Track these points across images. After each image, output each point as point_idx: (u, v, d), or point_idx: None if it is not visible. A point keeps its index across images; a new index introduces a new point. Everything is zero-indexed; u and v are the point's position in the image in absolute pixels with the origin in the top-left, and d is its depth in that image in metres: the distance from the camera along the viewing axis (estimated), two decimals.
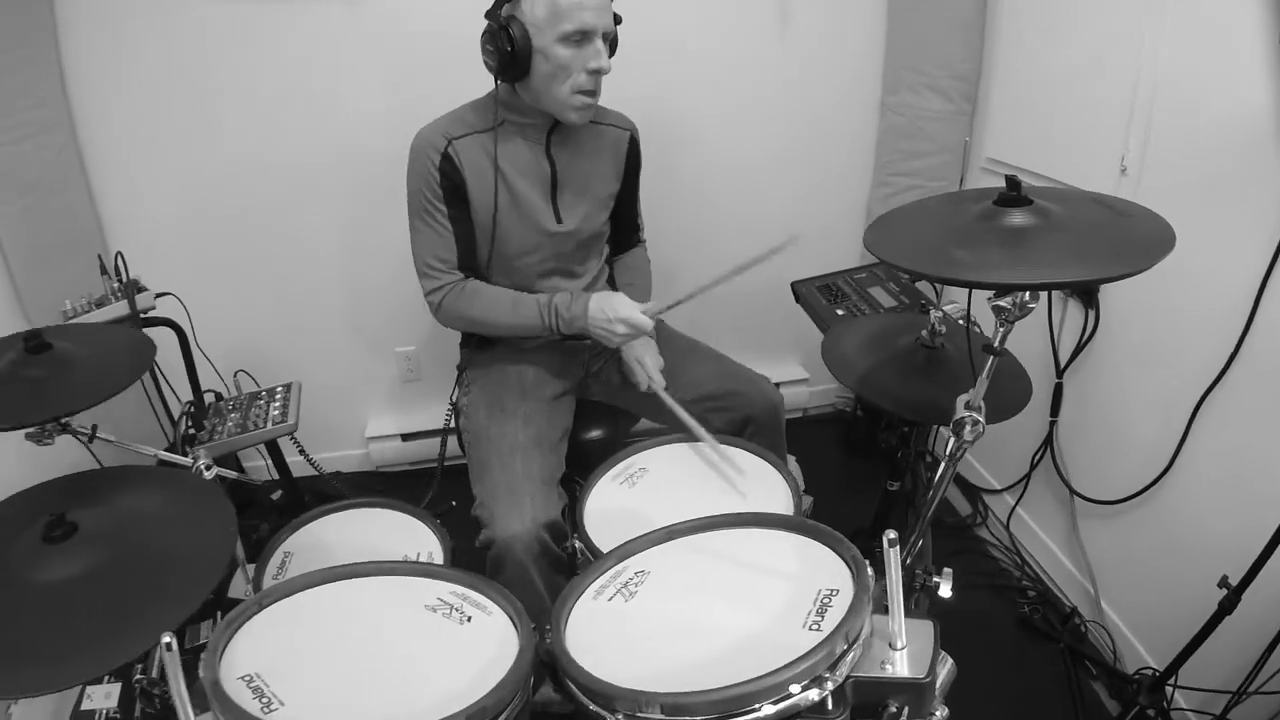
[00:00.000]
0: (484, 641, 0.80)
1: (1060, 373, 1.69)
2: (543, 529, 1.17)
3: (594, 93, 1.27)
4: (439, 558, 1.16)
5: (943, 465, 1.02)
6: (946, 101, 1.89)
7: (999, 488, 1.99)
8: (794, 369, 2.38)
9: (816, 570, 0.78)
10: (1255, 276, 1.20)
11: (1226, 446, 1.33)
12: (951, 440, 0.99)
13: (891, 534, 0.64)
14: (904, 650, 0.69)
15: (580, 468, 1.36)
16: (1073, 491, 1.70)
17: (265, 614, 0.87)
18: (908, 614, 0.68)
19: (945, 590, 1.11)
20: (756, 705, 0.61)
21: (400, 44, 1.81)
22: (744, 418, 1.41)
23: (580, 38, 1.20)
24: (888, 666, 0.68)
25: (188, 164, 1.85)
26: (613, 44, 1.29)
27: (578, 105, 1.26)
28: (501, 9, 1.22)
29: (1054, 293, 1.65)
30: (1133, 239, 0.85)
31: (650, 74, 1.90)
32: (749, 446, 1.26)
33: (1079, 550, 1.71)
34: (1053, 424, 1.74)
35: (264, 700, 0.73)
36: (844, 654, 0.65)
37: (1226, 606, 1.19)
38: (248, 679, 0.75)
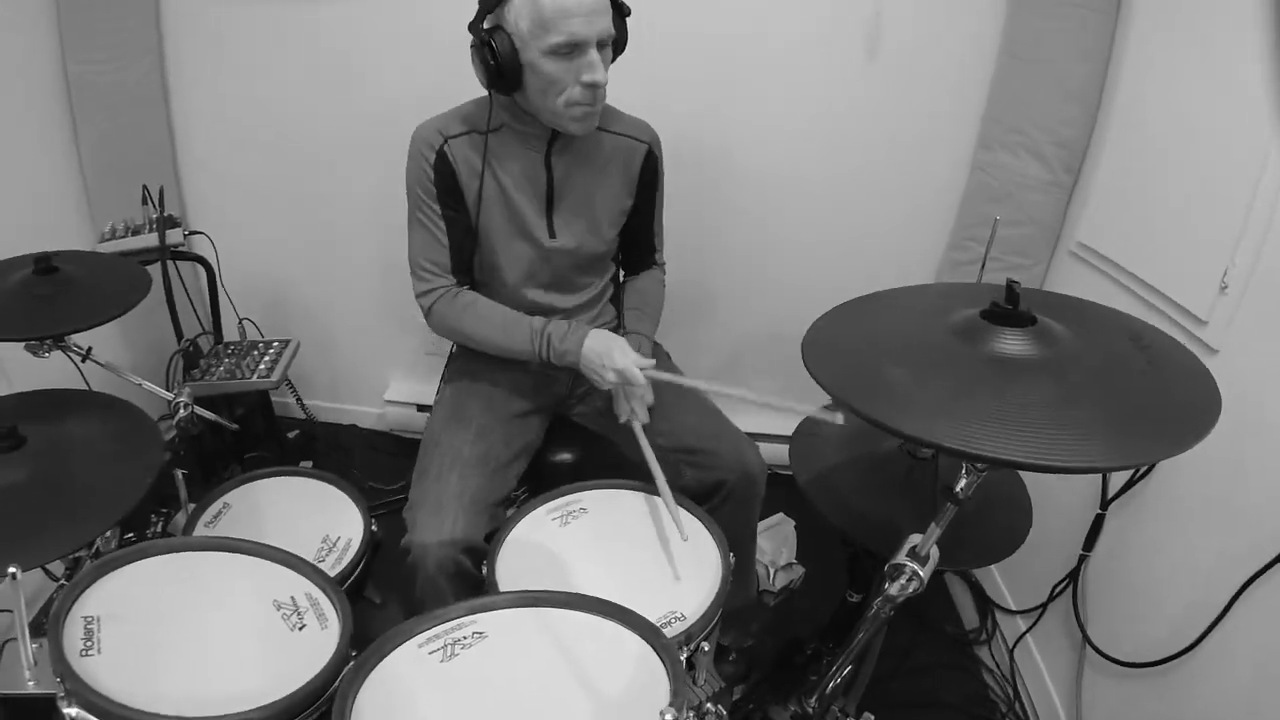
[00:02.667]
0: (299, 655, 0.81)
1: (1105, 504, 1.47)
2: (460, 551, 1.12)
3: (593, 103, 1.17)
4: (355, 546, 1.17)
5: (870, 613, 0.88)
6: (1045, 169, 1.67)
7: (1014, 609, 1.78)
8: None
9: (639, 706, 0.69)
10: None
11: (1268, 642, 1.09)
12: (887, 585, 0.86)
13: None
14: None
15: (545, 488, 1.29)
16: (1086, 638, 1.49)
17: (141, 564, 0.92)
18: None
19: None
20: None
21: (456, 24, 1.80)
22: (718, 481, 1.29)
23: (570, 50, 1.10)
24: None
25: (258, 111, 1.91)
26: (620, 42, 1.18)
27: (576, 116, 1.16)
28: (484, 20, 1.13)
29: None
30: (1152, 410, 0.65)
31: (712, 97, 1.79)
32: (705, 520, 1.17)
33: (1076, 704, 1.49)
34: (1083, 558, 1.52)
35: (88, 644, 0.79)
36: None
37: None
38: (88, 620, 0.81)
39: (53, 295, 1.21)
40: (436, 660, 0.77)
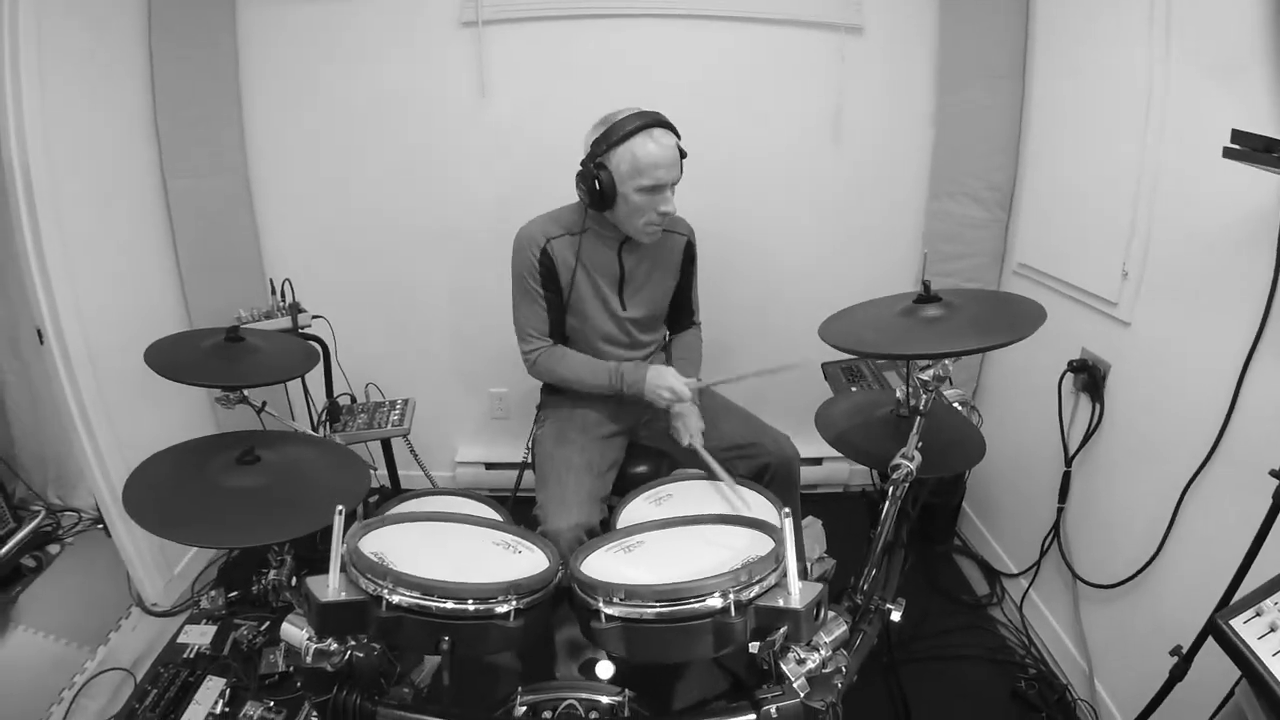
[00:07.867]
0: (528, 563, 1.29)
1: (1069, 461, 2.00)
2: (582, 531, 1.64)
3: (661, 224, 1.77)
4: None
5: (886, 504, 1.40)
6: (984, 210, 2.31)
7: (1015, 572, 2.27)
8: None
9: (755, 547, 1.23)
10: (1233, 374, 1.46)
11: (1205, 532, 1.57)
12: (891, 475, 1.40)
13: (787, 509, 1.06)
14: (794, 595, 1.11)
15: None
16: (1075, 575, 1.98)
17: (386, 528, 1.35)
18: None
19: (896, 616, 1.46)
20: (682, 599, 1.08)
21: (519, 144, 2.44)
22: (763, 465, 1.86)
23: (654, 189, 1.70)
24: (779, 602, 1.11)
25: (334, 212, 2.51)
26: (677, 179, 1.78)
27: (649, 232, 1.78)
28: (596, 158, 1.71)
29: (1062, 387, 1.99)
30: (1006, 325, 1.28)
31: (718, 185, 2.43)
32: (759, 489, 1.64)
33: (1079, 631, 1.97)
34: (1060, 510, 2.04)
35: (386, 563, 1.18)
36: (747, 583, 1.10)
37: (1177, 674, 1.42)
38: (375, 554, 1.21)
39: (241, 358, 1.66)
40: (622, 554, 1.30)
